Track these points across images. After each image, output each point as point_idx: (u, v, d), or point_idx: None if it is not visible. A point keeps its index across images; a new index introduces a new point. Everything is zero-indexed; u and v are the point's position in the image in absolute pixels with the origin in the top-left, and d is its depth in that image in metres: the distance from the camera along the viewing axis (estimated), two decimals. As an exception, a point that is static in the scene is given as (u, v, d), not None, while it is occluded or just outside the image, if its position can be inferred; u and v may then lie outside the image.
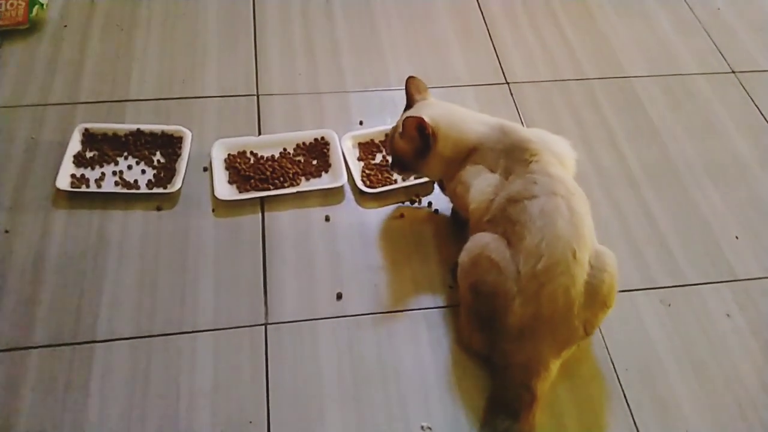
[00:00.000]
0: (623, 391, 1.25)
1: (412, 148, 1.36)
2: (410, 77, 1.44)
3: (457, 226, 1.45)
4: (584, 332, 1.18)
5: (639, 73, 1.86)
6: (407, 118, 1.33)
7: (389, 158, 1.48)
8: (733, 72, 1.88)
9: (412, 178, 1.54)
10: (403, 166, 1.42)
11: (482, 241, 1.21)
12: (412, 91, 1.44)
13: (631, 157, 1.65)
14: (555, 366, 1.17)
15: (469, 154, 1.32)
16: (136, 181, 1.50)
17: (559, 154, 1.29)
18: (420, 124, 1.32)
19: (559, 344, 1.17)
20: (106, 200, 1.47)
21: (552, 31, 1.96)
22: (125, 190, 1.48)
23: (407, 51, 1.87)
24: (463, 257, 1.23)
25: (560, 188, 1.19)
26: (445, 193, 1.51)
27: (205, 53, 1.82)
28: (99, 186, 1.49)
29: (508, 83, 1.80)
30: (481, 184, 1.27)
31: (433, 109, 1.38)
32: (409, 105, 1.44)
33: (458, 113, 1.39)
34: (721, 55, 1.93)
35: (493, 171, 1.27)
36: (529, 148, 1.26)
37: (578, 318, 1.15)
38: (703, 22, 2.03)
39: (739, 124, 1.75)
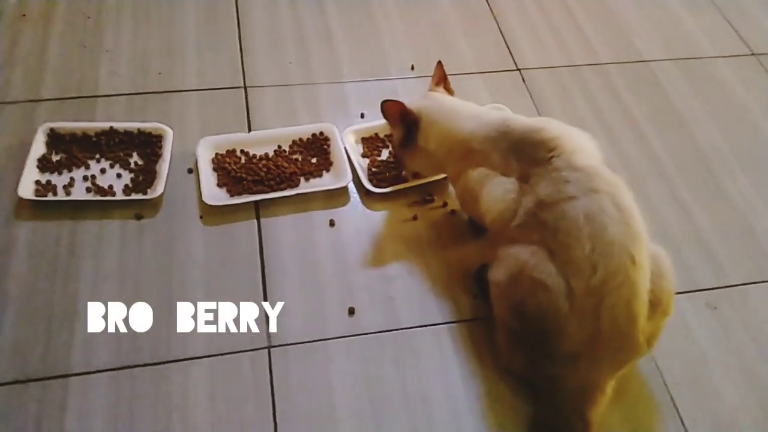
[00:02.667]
0: (676, 408, 1.11)
1: (399, 137, 1.28)
2: (439, 63, 1.33)
3: (475, 229, 1.30)
4: (647, 347, 1.03)
5: (656, 57, 1.73)
6: (386, 101, 1.24)
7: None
8: (753, 54, 1.77)
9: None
10: (396, 158, 1.34)
11: (520, 258, 1.03)
12: (434, 80, 1.33)
13: (658, 146, 1.52)
14: (610, 387, 1.02)
15: (465, 154, 1.18)
16: (111, 186, 1.32)
17: (578, 145, 1.11)
18: (402, 110, 1.24)
19: (619, 364, 1.02)
20: (77, 209, 1.29)
21: (561, 14, 1.82)
22: (99, 198, 1.30)
23: (407, 37, 1.71)
24: (498, 276, 1.07)
25: (599, 183, 1.03)
26: (461, 193, 1.37)
27: (184, 42, 1.63)
28: (68, 193, 1.30)
29: (519, 69, 1.66)
30: (496, 190, 1.11)
31: (424, 100, 1.28)
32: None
33: (450, 106, 1.25)
34: (739, 36, 1.81)
35: (506, 175, 1.11)
36: (543, 139, 1.09)
37: (643, 333, 1.00)
38: (716, 2, 1.91)
39: (766, 110, 1.63)
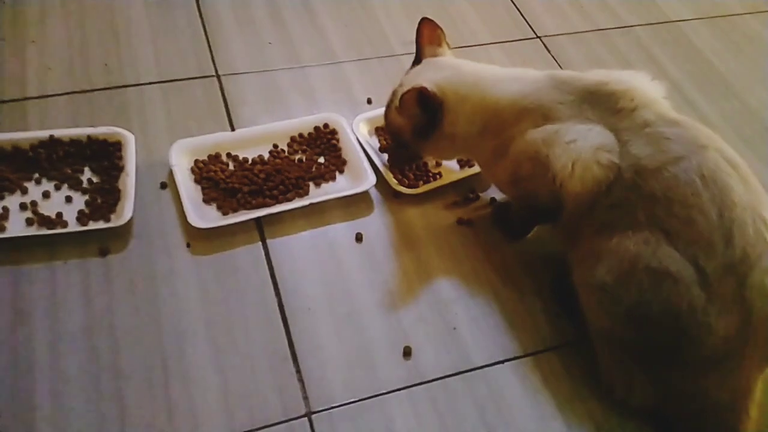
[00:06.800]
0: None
1: (411, 124, 1.01)
2: (424, 20, 1.06)
3: (511, 229, 1.05)
4: None
5: (684, 17, 1.54)
6: (406, 91, 0.96)
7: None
8: (780, 8, 1.61)
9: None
10: (402, 147, 1.07)
11: (630, 250, 0.81)
12: (423, 41, 1.06)
13: (712, 113, 1.32)
14: (760, 390, 0.82)
15: (512, 121, 0.93)
16: (59, 215, 0.99)
17: (655, 97, 0.92)
18: (421, 94, 0.96)
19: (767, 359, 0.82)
20: (18, 250, 0.95)
21: (568, -27, 1.60)
22: (45, 231, 0.97)
23: (404, 7, 1.44)
24: (601, 277, 0.82)
25: (704, 138, 0.85)
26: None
27: (131, 25, 1.31)
28: (2, 228, 0.97)
29: (539, 37, 1.42)
30: (582, 145, 0.86)
31: (439, 72, 1.00)
32: (418, 60, 1.06)
33: (475, 71, 1.01)
34: (760, -10, 1.65)
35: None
36: (616, 90, 0.90)
37: None
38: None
39: (808, 65, 1.47)
